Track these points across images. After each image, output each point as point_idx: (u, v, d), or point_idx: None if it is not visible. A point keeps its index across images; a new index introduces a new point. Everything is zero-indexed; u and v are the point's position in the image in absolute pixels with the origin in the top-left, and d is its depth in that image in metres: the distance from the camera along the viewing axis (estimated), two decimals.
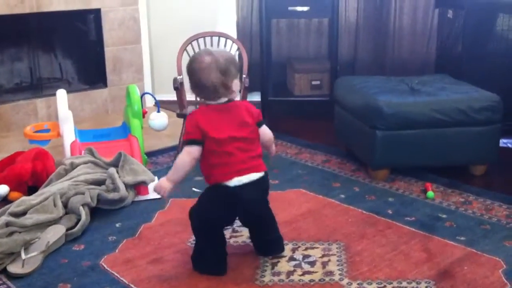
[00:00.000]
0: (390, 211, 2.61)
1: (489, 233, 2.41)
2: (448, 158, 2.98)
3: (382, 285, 2.02)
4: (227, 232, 2.42)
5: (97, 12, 4.13)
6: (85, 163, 2.82)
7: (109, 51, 4.23)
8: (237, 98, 2.16)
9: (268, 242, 2.24)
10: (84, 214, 2.47)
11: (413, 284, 2.03)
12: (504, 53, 3.62)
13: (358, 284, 2.04)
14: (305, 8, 4.04)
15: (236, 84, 2.06)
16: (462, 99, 2.98)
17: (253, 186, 2.05)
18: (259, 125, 2.14)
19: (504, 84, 3.43)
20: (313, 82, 4.21)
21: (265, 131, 2.19)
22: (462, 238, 2.36)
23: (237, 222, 2.51)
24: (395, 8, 4.24)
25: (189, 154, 2.03)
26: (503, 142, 3.48)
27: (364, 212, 2.61)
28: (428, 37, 4.25)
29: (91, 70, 4.30)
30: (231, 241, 2.36)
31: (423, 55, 4.26)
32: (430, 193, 2.76)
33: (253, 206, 2.08)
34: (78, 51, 4.25)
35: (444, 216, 2.57)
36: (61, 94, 3.12)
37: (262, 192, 2.13)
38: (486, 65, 3.61)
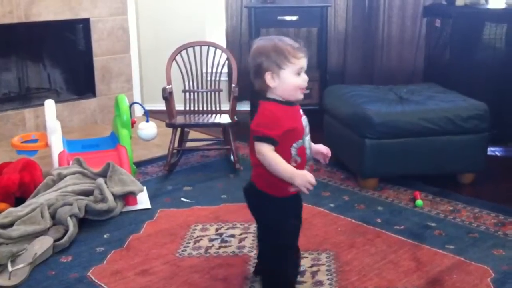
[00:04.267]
0: (379, 220, 2.61)
1: (478, 241, 2.42)
2: (437, 166, 2.99)
3: None
4: (216, 243, 2.41)
5: (86, 22, 4.12)
6: (73, 173, 2.80)
7: (98, 61, 4.22)
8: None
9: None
10: (71, 225, 2.45)
11: None
12: (491, 62, 3.65)
13: None
14: (294, 18, 4.06)
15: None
16: (450, 108, 2.99)
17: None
18: None
19: (491, 92, 3.46)
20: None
21: None
22: (451, 247, 2.36)
23: (226, 232, 2.50)
24: (384, 17, 4.26)
25: None
26: (491, 150, 3.50)
27: (354, 221, 2.61)
28: (416, 46, 4.28)
29: (80, 80, 4.28)
30: (220, 251, 2.35)
31: (411, 64, 4.29)
32: (419, 202, 2.77)
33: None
34: (67, 61, 4.24)
35: (433, 224, 2.58)
36: (49, 104, 3.11)
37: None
38: (474, 74, 3.64)
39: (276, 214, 1.88)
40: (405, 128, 2.93)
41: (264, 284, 2.01)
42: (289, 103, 1.85)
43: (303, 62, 1.82)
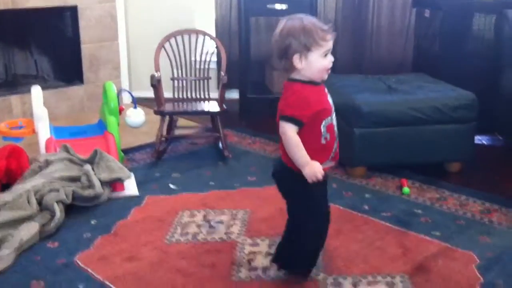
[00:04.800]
0: (366, 207, 2.62)
1: (464, 228, 2.44)
2: (425, 155, 3.00)
3: (357, 280, 2.03)
4: (204, 229, 2.41)
5: (73, 9, 4.08)
6: (60, 160, 2.78)
7: (86, 48, 4.18)
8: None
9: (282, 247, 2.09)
10: (58, 211, 2.44)
11: (388, 278, 2.04)
12: (480, 52, 3.67)
13: (333, 279, 2.04)
14: (284, 6, 4.04)
15: None
16: (438, 98, 3.01)
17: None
18: None
19: (479, 82, 3.47)
20: None
21: None
22: (437, 234, 2.38)
23: (214, 219, 2.50)
24: (373, 7, 4.26)
25: None
26: (478, 139, 3.53)
27: (342, 208, 2.62)
28: (405, 37, 4.28)
29: (67, 67, 4.25)
30: (208, 237, 2.35)
31: (401, 54, 4.29)
32: (406, 189, 2.78)
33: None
34: (54, 48, 4.20)
35: (419, 211, 2.59)
36: (36, 91, 3.08)
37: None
38: (462, 64, 3.65)
39: (308, 188, 1.89)
40: (393, 118, 2.94)
41: (288, 248, 2.02)
42: (314, 83, 1.85)
43: (330, 44, 1.82)
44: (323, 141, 1.86)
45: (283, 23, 1.84)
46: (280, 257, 2.08)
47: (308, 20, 1.82)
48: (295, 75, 1.86)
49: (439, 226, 2.44)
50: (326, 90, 1.92)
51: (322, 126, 1.85)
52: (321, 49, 1.80)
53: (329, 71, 1.86)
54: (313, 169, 1.81)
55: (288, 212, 2.03)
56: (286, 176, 1.94)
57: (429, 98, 3.01)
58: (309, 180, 1.83)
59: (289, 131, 1.81)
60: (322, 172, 1.83)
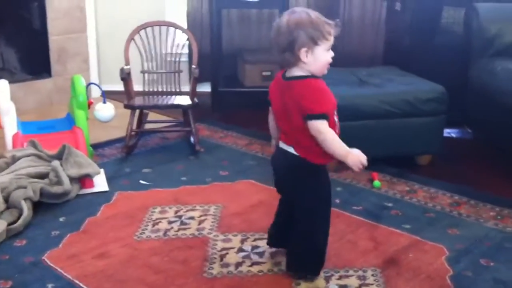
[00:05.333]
0: (338, 201, 2.63)
1: (433, 221, 2.47)
2: (395, 148, 3.03)
3: (329, 274, 2.04)
4: (175, 225, 2.39)
5: (41, 0, 3.99)
6: (28, 156, 2.73)
7: (54, 41, 4.10)
8: None
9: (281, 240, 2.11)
10: (26, 208, 2.39)
11: (360, 272, 2.06)
12: (449, 45, 3.71)
13: None
14: None
15: None
16: (409, 91, 3.03)
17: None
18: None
19: (449, 75, 3.51)
20: (264, 73, 4.19)
21: None
22: (408, 226, 2.40)
23: (186, 214, 2.48)
24: (345, 0, 4.26)
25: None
26: (448, 132, 3.57)
27: None
28: (376, 30, 4.30)
29: (35, 60, 4.15)
30: (179, 233, 2.33)
31: (372, 47, 4.31)
32: (377, 183, 2.80)
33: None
34: (21, 40, 4.09)
35: (390, 205, 2.61)
36: (3, 84, 3.00)
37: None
38: (433, 57, 3.68)
39: (321, 180, 1.95)
40: (364, 111, 2.95)
41: (296, 250, 2.00)
42: (317, 77, 1.87)
43: (333, 39, 1.85)
44: (337, 131, 1.91)
45: (288, 16, 1.83)
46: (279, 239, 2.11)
47: (313, 13, 1.83)
48: (297, 71, 1.85)
49: (409, 219, 2.47)
50: None
51: (334, 115, 1.90)
52: (327, 43, 1.82)
53: (329, 67, 1.88)
54: (357, 159, 1.83)
55: (296, 211, 1.98)
56: (302, 170, 1.92)
57: (399, 91, 3.03)
58: (355, 168, 1.84)
59: (325, 127, 1.82)
60: (365, 157, 1.85)
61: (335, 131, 1.88)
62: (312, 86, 1.84)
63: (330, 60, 1.86)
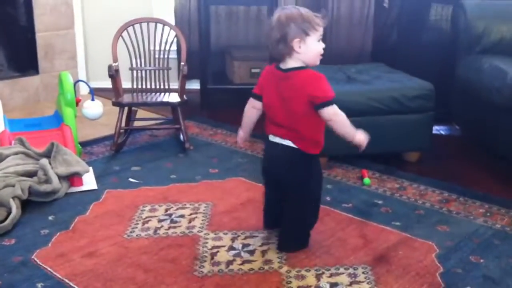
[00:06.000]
0: (328, 198, 2.64)
1: (423, 218, 2.48)
2: (384, 145, 3.03)
3: (320, 272, 2.04)
4: (165, 223, 2.38)
5: None
6: (15, 154, 2.70)
7: (41, 37, 4.06)
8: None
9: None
10: (14, 207, 2.36)
11: (350, 270, 2.06)
12: (437, 42, 3.73)
13: (296, 271, 2.05)
14: None
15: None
16: (396, 88, 3.04)
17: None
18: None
19: (437, 72, 3.53)
20: (253, 70, 4.19)
21: None
22: (397, 224, 2.41)
23: (176, 213, 2.47)
24: None
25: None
26: (436, 129, 3.59)
27: None
28: (364, 26, 4.31)
29: (22, 57, 4.10)
30: (170, 232, 2.32)
31: (360, 44, 4.32)
32: (367, 180, 2.81)
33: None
34: (8, 37, 4.04)
35: (380, 202, 2.62)
36: None
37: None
38: (420, 54, 3.70)
39: (318, 167, 2.16)
40: (353, 108, 2.94)
41: (290, 232, 2.18)
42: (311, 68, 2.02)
43: (322, 30, 2.00)
44: None
45: (279, 12, 1.98)
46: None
47: (303, 8, 1.98)
48: (293, 63, 1.99)
49: (399, 216, 2.48)
50: None
51: None
52: (317, 33, 1.97)
53: (321, 57, 2.02)
54: (363, 135, 2.06)
55: (288, 198, 2.14)
56: (303, 162, 2.07)
57: (387, 88, 3.04)
58: (363, 145, 2.06)
59: (338, 111, 2.01)
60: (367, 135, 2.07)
61: None
62: (315, 76, 1.99)
63: (322, 51, 2.00)
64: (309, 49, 1.96)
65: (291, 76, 1.99)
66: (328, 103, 1.98)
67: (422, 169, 3.03)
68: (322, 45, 2.00)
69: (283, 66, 2.02)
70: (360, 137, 2.06)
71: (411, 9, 3.74)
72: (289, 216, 2.17)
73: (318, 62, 2.03)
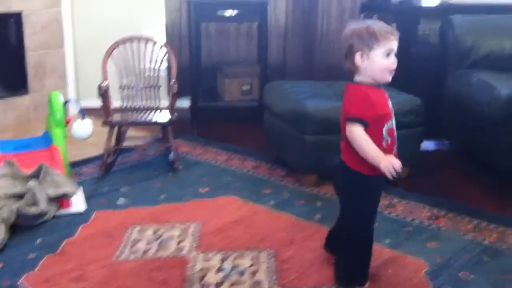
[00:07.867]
0: (318, 216, 2.63)
1: (413, 235, 2.48)
2: None
3: None
4: (154, 245, 2.37)
5: (17, 15, 3.94)
6: (4, 176, 2.68)
7: (31, 56, 4.06)
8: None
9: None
10: (2, 231, 2.34)
11: None
12: (426, 57, 3.74)
13: None
14: (234, 12, 4.03)
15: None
16: None
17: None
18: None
19: (426, 87, 3.54)
20: (243, 87, 4.20)
21: None
22: (387, 241, 2.40)
23: (165, 234, 2.46)
24: (323, 12, 4.29)
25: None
26: (425, 144, 3.59)
27: (294, 217, 2.62)
28: None
29: (11, 76, 4.09)
30: (159, 253, 2.31)
31: None
32: None
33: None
34: None
35: None
36: None
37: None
38: (409, 69, 3.71)
39: (365, 190, 1.98)
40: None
41: (347, 256, 2.07)
42: (376, 86, 1.91)
43: (393, 44, 1.87)
44: (384, 144, 1.90)
45: (348, 26, 1.92)
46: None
47: (372, 22, 1.90)
48: (358, 77, 1.92)
49: (388, 233, 2.47)
50: (386, 94, 1.97)
51: (384, 129, 1.91)
52: (383, 48, 1.85)
53: (393, 73, 1.90)
54: (389, 163, 1.83)
55: (341, 213, 2.10)
56: (345, 174, 2.00)
57: None
58: (388, 175, 1.85)
59: (358, 130, 1.87)
60: (399, 162, 1.84)
61: (381, 145, 1.89)
62: (358, 91, 1.90)
63: (390, 66, 1.87)
64: (373, 64, 1.86)
65: (346, 89, 1.94)
66: (347, 119, 1.89)
67: (411, 184, 3.02)
68: (390, 60, 1.86)
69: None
70: (385, 166, 1.83)
71: (400, 24, 3.75)
72: (341, 241, 2.09)
73: (388, 78, 1.89)
